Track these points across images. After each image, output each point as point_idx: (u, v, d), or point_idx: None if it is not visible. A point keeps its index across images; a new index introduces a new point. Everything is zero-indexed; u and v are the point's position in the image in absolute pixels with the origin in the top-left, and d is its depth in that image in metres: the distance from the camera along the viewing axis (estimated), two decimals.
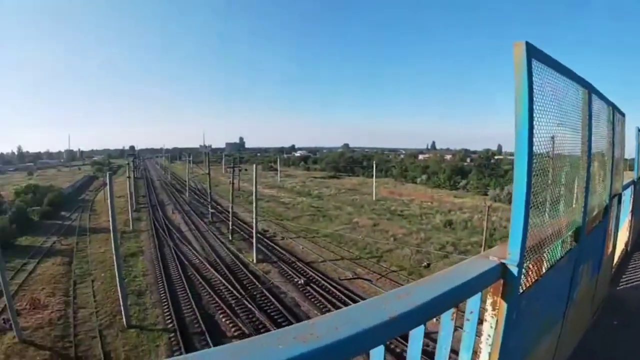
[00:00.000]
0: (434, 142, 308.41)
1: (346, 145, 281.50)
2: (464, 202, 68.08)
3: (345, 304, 27.17)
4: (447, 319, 2.11)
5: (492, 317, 2.41)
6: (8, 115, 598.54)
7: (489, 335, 2.42)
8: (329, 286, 30.48)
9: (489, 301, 2.47)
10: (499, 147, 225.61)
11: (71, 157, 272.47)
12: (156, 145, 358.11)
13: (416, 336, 1.91)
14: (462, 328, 2.34)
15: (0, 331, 26.20)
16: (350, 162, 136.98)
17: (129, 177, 74.81)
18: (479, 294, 2.23)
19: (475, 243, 39.57)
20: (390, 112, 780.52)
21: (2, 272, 25.50)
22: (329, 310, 21.42)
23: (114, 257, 27.17)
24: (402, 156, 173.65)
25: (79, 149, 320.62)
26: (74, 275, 36.75)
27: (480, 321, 2.38)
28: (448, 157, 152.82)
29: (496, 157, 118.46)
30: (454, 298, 2.02)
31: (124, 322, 26.16)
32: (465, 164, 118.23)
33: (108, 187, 26.27)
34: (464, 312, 2.29)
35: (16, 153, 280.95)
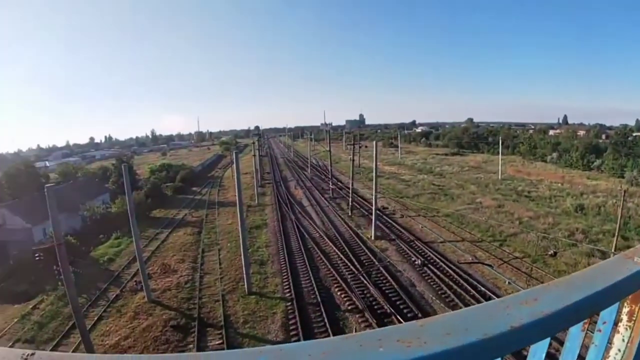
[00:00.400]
0: (565, 116, 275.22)
1: (470, 120, 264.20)
2: (598, 184, 60.60)
3: (463, 289, 25.88)
4: (576, 330, 1.79)
5: (627, 329, 1.93)
6: (142, 102, 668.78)
7: (619, 350, 1.94)
8: (447, 268, 29.12)
9: (624, 310, 1.98)
10: (638, 122, 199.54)
11: (201, 138, 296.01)
12: (279, 125, 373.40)
13: (538, 350, 1.64)
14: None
15: (132, 291, 29.46)
16: (474, 138, 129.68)
17: (254, 155, 79.65)
18: (617, 303, 1.85)
19: (607, 232, 34.90)
20: (518, 84, 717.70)
21: (136, 239, 28.29)
22: (445, 294, 20.40)
23: (239, 229, 28.62)
24: (530, 131, 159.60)
25: (208, 131, 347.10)
26: (202, 244, 39.98)
27: None
28: (581, 133, 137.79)
29: (634, 134, 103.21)
30: (590, 307, 1.67)
31: (245, 289, 27.70)
32: (600, 141, 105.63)
33: (234, 164, 27.59)
34: (595, 321, 1.81)
35: (150, 136, 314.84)
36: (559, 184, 60.95)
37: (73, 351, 21.44)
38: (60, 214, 48.39)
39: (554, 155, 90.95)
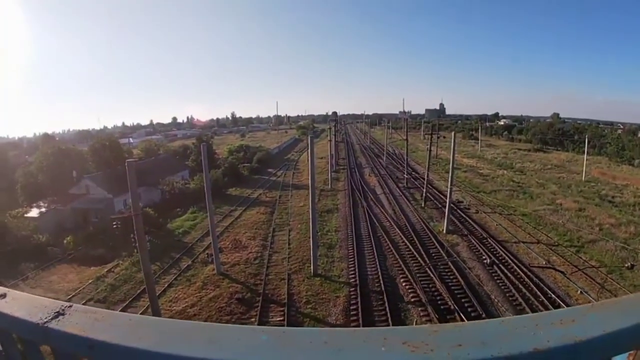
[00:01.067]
0: None
1: (556, 115, 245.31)
2: None
3: (532, 293, 24.23)
4: None
5: None
6: (223, 87, 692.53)
7: None
8: (517, 270, 27.37)
9: None
10: None
11: (279, 122, 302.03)
12: (357, 111, 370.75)
13: None
14: None
15: (203, 263, 30.58)
16: (560, 135, 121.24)
17: (329, 140, 79.81)
18: None
19: None
20: (610, 79, 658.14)
21: (211, 215, 29.18)
22: (512, 297, 19.26)
23: (310, 211, 28.71)
24: (619, 131, 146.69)
25: (286, 115, 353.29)
26: (273, 224, 40.77)
27: None
28: None
29: None
30: (637, 336, 1.31)
31: (311, 271, 27.83)
32: None
33: (309, 148, 27.71)
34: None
35: (230, 118, 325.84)
36: None
37: (142, 314, 22.62)
38: (140, 187, 51.14)
39: None
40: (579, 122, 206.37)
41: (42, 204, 44.49)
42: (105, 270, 29.95)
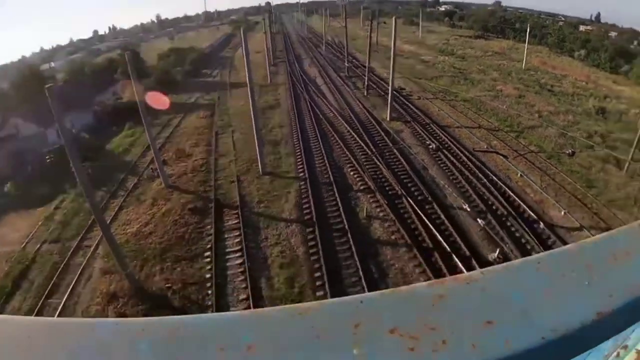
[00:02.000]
0: (599, 14, 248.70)
1: (498, 2, 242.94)
2: (623, 90, 56.23)
3: (475, 176, 25.40)
4: None
5: None
6: None
7: None
8: (461, 155, 28.52)
9: None
10: None
11: (209, 19, 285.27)
12: (292, 0, 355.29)
13: None
14: None
15: (149, 179, 30.22)
16: (501, 23, 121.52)
17: (264, 32, 76.53)
18: None
19: (626, 141, 32.84)
20: None
21: (148, 127, 28.18)
22: (456, 179, 21.63)
23: (252, 110, 28.19)
24: (560, 24, 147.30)
25: (216, 10, 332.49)
26: (215, 127, 40.16)
27: None
28: (613, 34, 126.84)
29: None
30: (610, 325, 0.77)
31: (260, 170, 28.07)
32: (632, 46, 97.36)
33: (243, 43, 26.42)
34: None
35: (155, 21, 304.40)
36: (584, 83, 57.61)
37: (97, 244, 22.66)
38: (71, 112, 48.85)
39: (582, 52, 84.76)
40: (520, 10, 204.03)
41: None
42: (53, 207, 29.11)
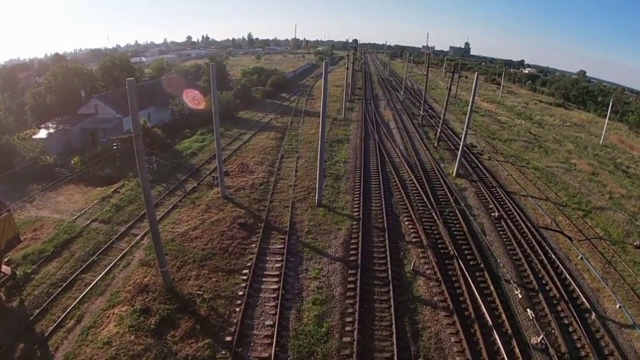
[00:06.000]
0: None
1: (582, 72, 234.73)
2: None
3: (534, 252, 23.83)
4: None
5: None
6: (241, 4, 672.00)
7: None
8: (523, 226, 26.91)
9: None
10: None
11: (297, 46, 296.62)
12: (379, 41, 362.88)
13: None
14: None
15: (208, 186, 30.90)
16: (584, 93, 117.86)
17: (347, 67, 77.99)
18: None
19: None
20: None
21: (217, 136, 28.75)
22: (513, 250, 19.91)
23: (320, 140, 28.33)
24: None
25: (305, 38, 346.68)
26: (282, 150, 40.80)
27: None
28: None
29: None
30: None
31: (315, 200, 27.99)
32: None
33: (323, 75, 26.76)
34: None
35: (246, 39, 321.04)
36: None
37: (143, 235, 23.30)
38: (150, 107, 51.30)
39: None
40: (605, 84, 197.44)
41: (50, 125, 44.30)
42: (111, 190, 30.29)
